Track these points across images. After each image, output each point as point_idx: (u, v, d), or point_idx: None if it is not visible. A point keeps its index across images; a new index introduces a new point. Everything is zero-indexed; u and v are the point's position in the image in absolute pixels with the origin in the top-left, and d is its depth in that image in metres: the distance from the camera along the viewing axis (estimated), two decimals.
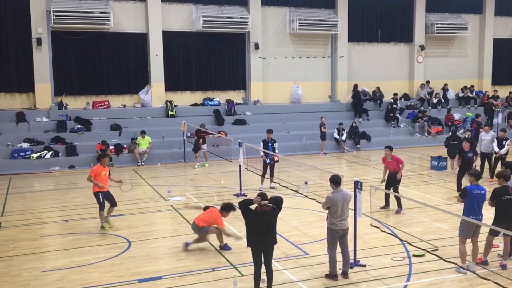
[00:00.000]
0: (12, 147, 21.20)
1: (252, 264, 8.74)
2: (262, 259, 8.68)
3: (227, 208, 11.16)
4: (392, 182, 13.88)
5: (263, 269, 8.71)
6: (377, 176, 18.75)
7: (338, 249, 9.60)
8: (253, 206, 8.66)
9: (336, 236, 9.50)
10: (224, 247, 11.19)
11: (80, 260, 10.70)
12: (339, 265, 9.66)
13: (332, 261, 9.52)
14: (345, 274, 9.62)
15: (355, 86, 27.43)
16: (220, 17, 25.15)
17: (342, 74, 28.16)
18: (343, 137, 24.70)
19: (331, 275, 9.55)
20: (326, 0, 27.63)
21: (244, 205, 8.60)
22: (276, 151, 16.69)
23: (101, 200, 12.63)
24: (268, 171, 16.63)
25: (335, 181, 9.53)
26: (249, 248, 8.68)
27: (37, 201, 16.08)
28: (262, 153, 16.59)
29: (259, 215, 8.56)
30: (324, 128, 23.93)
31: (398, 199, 13.74)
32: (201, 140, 21.30)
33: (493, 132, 18.74)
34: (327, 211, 9.60)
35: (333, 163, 21.85)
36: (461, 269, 9.71)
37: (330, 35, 27.83)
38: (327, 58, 28.18)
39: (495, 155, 17.90)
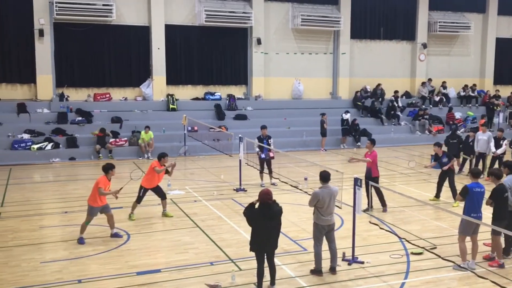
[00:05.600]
0: (13, 138, 21.20)
1: (251, 259, 8.76)
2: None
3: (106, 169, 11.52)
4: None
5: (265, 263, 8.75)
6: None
7: (325, 247, 9.59)
8: (256, 205, 8.74)
9: (323, 232, 9.50)
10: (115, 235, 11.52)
11: (79, 252, 10.72)
12: (326, 262, 9.65)
13: (318, 257, 9.52)
14: (333, 270, 9.62)
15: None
16: (223, 11, 25.11)
17: (344, 71, 28.12)
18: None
19: (316, 271, 9.55)
20: None
21: (250, 208, 8.69)
22: (272, 146, 16.64)
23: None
24: (266, 167, 16.57)
25: (324, 177, 9.54)
26: (248, 242, 8.71)
27: (37, 192, 16.10)
28: (257, 149, 16.55)
29: (262, 208, 8.57)
30: (326, 125, 23.90)
31: (379, 198, 13.57)
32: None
33: (489, 132, 18.71)
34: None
35: (333, 160, 21.84)
36: (459, 267, 9.73)
37: (332, 31, 27.78)
38: (329, 54, 28.14)
39: (492, 155, 17.91)
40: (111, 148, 21.49)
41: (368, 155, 13.76)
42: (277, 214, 8.69)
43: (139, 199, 13.00)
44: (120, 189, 11.62)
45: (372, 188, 12.64)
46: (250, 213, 8.66)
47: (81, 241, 11.20)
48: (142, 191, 12.97)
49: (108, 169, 11.47)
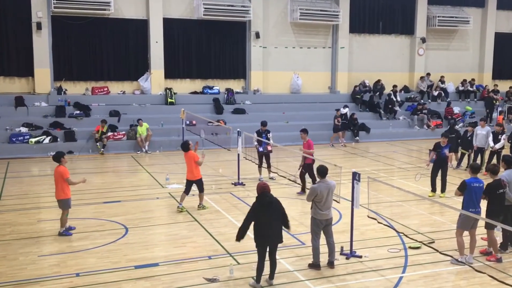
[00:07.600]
0: (11, 131, 21.15)
1: (249, 253, 8.75)
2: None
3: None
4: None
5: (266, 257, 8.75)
6: (375, 168, 18.84)
7: (323, 241, 9.59)
8: None
9: (320, 226, 9.51)
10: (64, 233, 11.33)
11: (77, 246, 10.72)
12: (324, 256, 9.66)
13: (315, 251, 9.52)
14: (331, 264, 9.62)
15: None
16: (221, 5, 25.02)
17: (343, 65, 28.06)
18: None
19: (314, 265, 9.56)
20: None
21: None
22: (271, 140, 16.60)
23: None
24: (264, 161, 16.56)
25: (321, 171, 9.55)
26: (247, 236, 8.70)
27: (34, 186, 16.07)
28: (255, 142, 16.54)
29: (260, 198, 8.64)
30: (338, 121, 23.92)
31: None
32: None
33: (488, 127, 18.74)
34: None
35: (331, 154, 21.83)
36: (457, 261, 9.74)
37: (331, 25, 27.71)
38: (328, 48, 28.08)
39: (490, 149, 17.93)
40: (106, 142, 21.32)
41: (306, 145, 14.64)
42: (275, 202, 8.71)
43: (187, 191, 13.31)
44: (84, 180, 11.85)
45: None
46: (252, 205, 8.71)
47: (66, 232, 11.27)
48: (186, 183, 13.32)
49: (59, 157, 11.33)
